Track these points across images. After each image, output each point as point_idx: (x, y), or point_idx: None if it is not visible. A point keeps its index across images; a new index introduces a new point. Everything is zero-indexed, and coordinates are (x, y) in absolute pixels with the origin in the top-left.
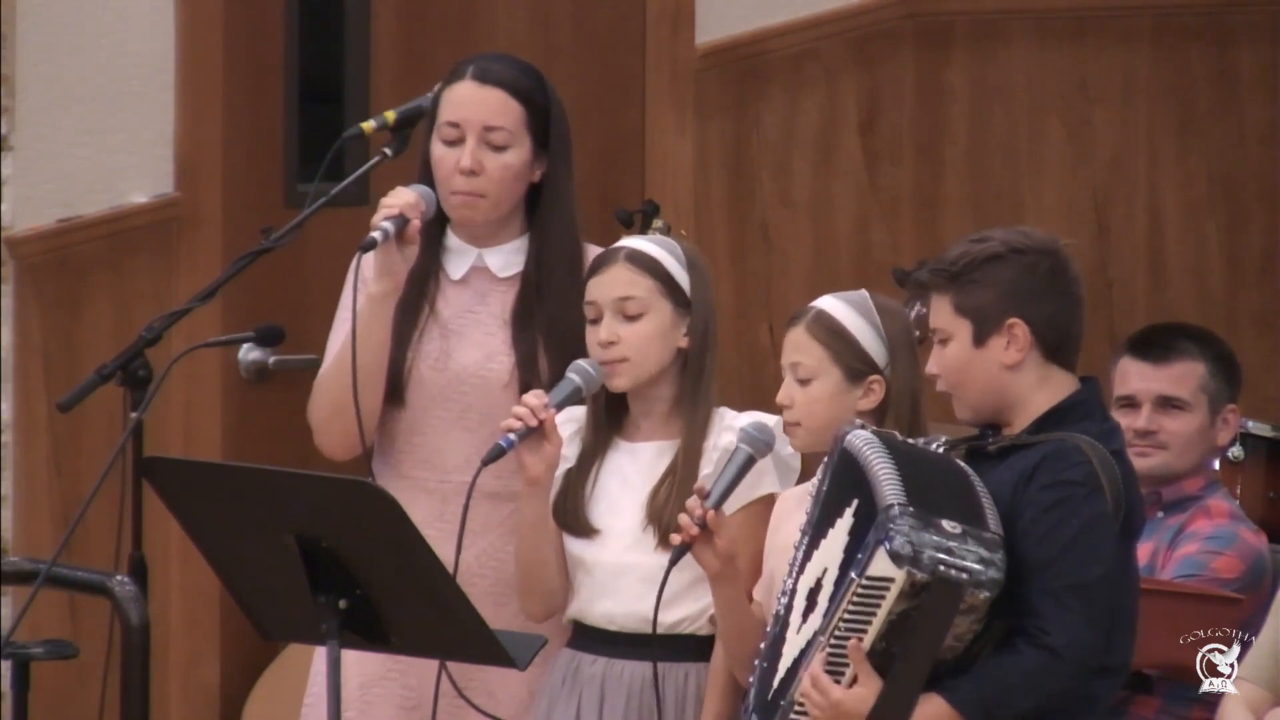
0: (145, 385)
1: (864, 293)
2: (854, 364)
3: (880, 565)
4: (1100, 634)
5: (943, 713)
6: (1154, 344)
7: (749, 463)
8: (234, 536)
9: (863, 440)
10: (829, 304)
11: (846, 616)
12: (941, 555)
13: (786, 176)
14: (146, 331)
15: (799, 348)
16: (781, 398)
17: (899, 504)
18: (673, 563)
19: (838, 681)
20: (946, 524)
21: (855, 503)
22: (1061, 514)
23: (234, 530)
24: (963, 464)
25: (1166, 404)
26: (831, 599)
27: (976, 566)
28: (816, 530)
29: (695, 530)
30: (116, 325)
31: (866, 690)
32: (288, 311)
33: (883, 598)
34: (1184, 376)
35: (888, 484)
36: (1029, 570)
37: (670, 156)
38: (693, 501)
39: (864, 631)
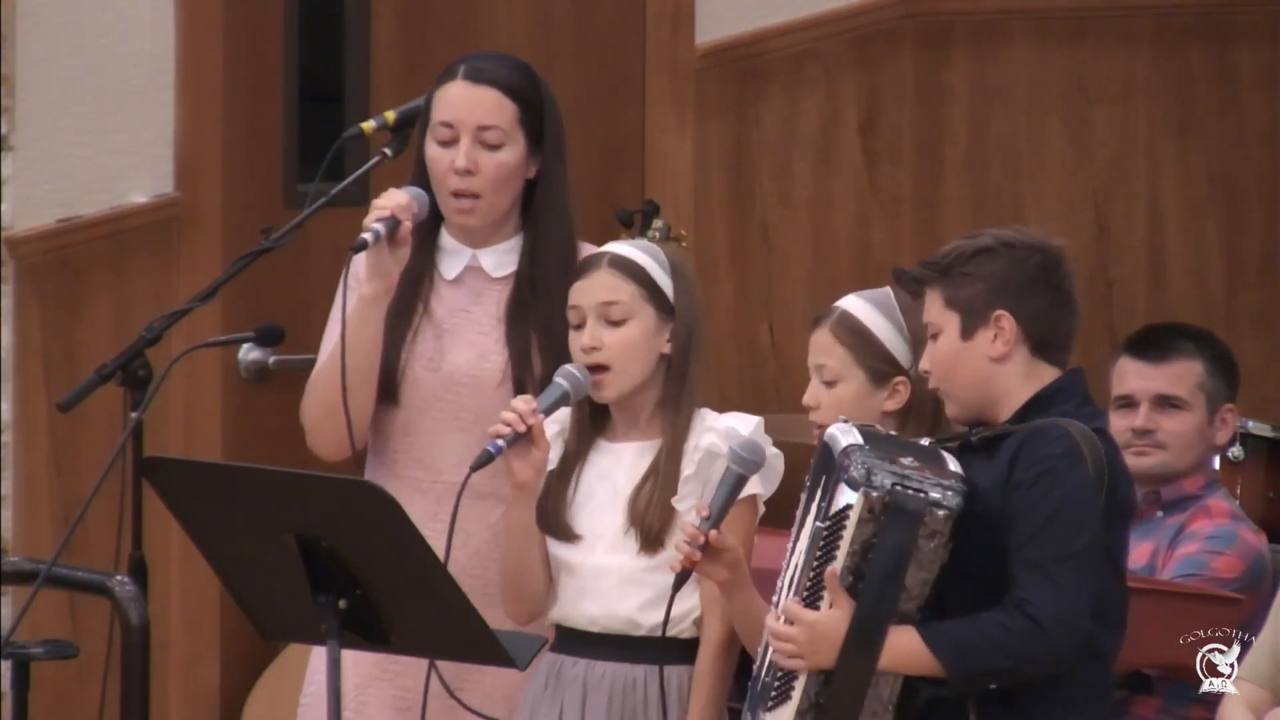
0: (145, 385)
1: (887, 291)
2: (878, 365)
3: (840, 498)
4: (1087, 605)
5: (916, 647)
6: (1152, 343)
7: (740, 483)
8: (234, 536)
9: (839, 429)
10: (852, 304)
11: (815, 562)
12: (898, 478)
13: (786, 176)
14: (146, 331)
15: (823, 350)
16: (808, 399)
17: (856, 444)
18: (676, 588)
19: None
20: (904, 459)
21: (824, 479)
22: (1045, 487)
23: (234, 530)
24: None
25: (1164, 403)
26: (802, 566)
27: (934, 490)
28: (799, 524)
29: (697, 556)
30: (116, 325)
31: (842, 611)
32: (288, 311)
33: (844, 528)
34: (1182, 375)
35: (849, 439)
36: (1015, 546)
37: (670, 156)
38: (690, 527)
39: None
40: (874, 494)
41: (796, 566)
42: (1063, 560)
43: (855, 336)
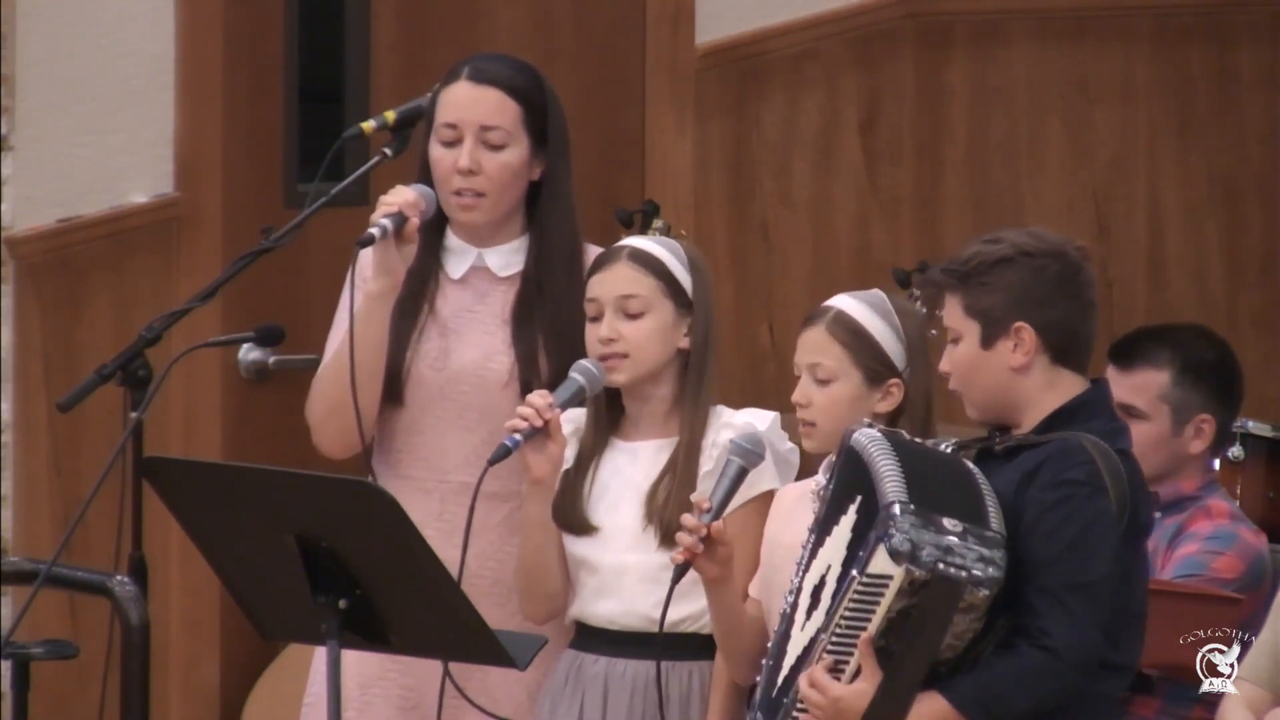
0: (145, 385)
1: (880, 293)
2: (874, 366)
3: (880, 563)
4: (1101, 634)
5: (942, 710)
6: (1123, 350)
7: (741, 475)
8: (234, 536)
9: (868, 438)
10: (848, 304)
11: (846, 614)
12: (941, 553)
13: (786, 176)
14: (146, 331)
15: (819, 348)
16: (798, 397)
17: (900, 502)
18: (675, 581)
19: (837, 679)
20: (947, 522)
21: (859, 499)
22: (1064, 513)
23: (234, 530)
24: (969, 464)
25: (1125, 411)
26: (834, 596)
27: (976, 565)
28: (822, 528)
29: (699, 548)
30: (116, 325)
31: (868, 685)
32: (288, 311)
33: (882, 594)
34: (1142, 386)
35: (890, 481)
36: (1030, 569)
37: (670, 156)
38: (691, 519)
39: (864, 628)
40: (916, 572)
41: (823, 595)
42: (1077, 590)
43: (853, 336)
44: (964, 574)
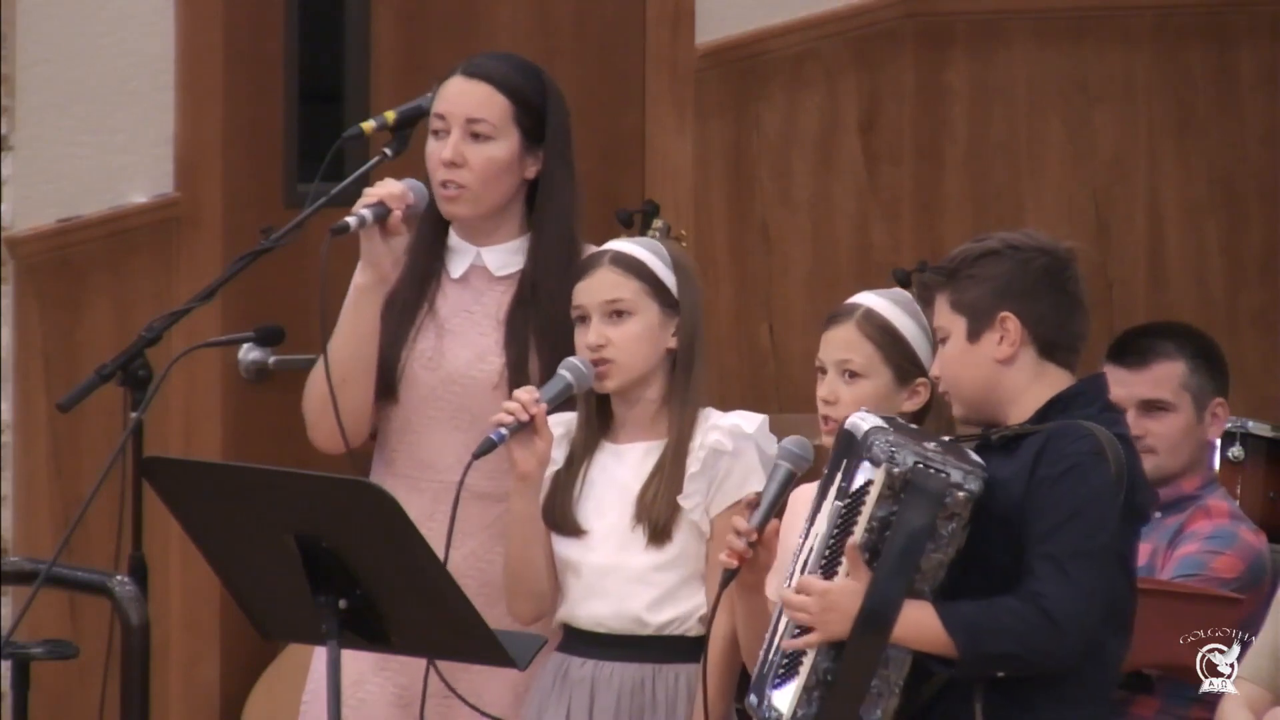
0: (145, 385)
1: (904, 292)
2: (904, 365)
3: (861, 475)
4: (1099, 604)
5: (930, 622)
6: (1131, 349)
7: (789, 479)
8: (234, 536)
9: (863, 418)
10: (876, 302)
11: (832, 539)
12: (920, 458)
13: (786, 176)
14: (146, 331)
15: (849, 345)
16: (825, 394)
17: (880, 427)
18: (724, 585)
19: None
20: (928, 444)
21: (844, 462)
22: (1070, 483)
23: (234, 530)
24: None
25: (1150, 407)
26: (820, 540)
27: (955, 471)
28: (814, 509)
29: (749, 553)
30: (116, 325)
31: (857, 583)
32: (288, 311)
33: (864, 503)
34: (1163, 378)
35: (871, 425)
36: (1035, 538)
37: (670, 156)
38: (742, 523)
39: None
40: (896, 470)
41: (813, 548)
42: (1080, 557)
43: (884, 334)
44: (944, 475)
